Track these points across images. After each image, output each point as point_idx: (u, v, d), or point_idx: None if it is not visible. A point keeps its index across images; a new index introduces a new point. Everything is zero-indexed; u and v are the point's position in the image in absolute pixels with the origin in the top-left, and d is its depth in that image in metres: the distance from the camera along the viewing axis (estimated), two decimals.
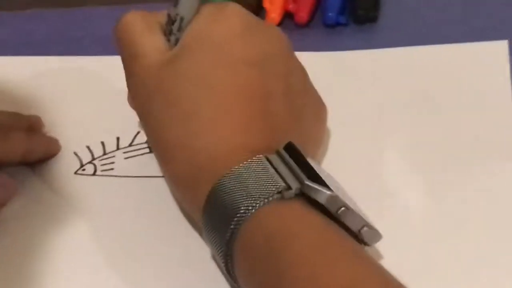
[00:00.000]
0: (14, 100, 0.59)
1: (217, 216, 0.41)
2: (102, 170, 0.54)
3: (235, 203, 0.40)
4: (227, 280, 0.45)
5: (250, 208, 0.39)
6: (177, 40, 0.47)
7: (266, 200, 0.39)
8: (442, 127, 0.54)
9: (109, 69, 0.61)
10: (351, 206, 0.40)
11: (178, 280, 0.46)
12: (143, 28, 0.48)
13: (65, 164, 0.55)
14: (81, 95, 0.60)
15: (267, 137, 0.43)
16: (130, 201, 0.52)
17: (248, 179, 0.40)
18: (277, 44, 0.47)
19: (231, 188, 0.40)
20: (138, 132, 0.56)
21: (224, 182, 0.41)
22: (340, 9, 0.65)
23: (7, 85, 0.61)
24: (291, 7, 0.65)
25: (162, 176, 0.53)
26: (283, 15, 0.65)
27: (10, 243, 0.50)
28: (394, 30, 0.64)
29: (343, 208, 0.39)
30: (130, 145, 0.56)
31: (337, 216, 0.39)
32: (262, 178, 0.40)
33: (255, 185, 0.40)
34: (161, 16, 0.49)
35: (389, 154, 0.53)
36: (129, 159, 0.55)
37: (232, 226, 0.40)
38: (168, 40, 0.48)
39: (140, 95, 0.47)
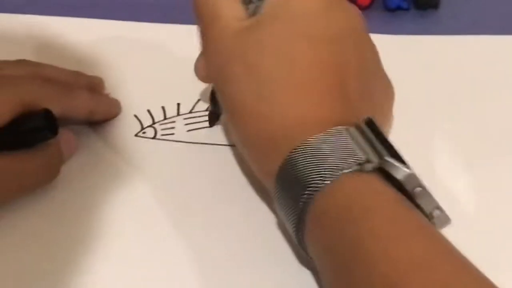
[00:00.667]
0: (78, 60, 0.59)
1: (291, 184, 0.41)
2: (163, 135, 0.54)
3: (311, 172, 0.40)
4: (293, 248, 0.45)
5: (326, 177, 0.39)
6: (255, 9, 0.47)
7: (344, 171, 0.40)
8: (497, 118, 0.54)
9: (173, 37, 0.62)
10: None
11: (239, 245, 0.47)
12: None
13: (125, 126, 0.55)
14: (143, 60, 0.60)
15: (344, 111, 0.44)
16: (189, 166, 0.52)
17: (326, 149, 0.41)
18: (355, 23, 0.47)
19: (308, 157, 0.41)
20: (199, 100, 0.57)
21: (301, 151, 0.41)
22: None
23: (72, 45, 0.61)
24: None
25: (223, 144, 0.53)
26: None
27: (69, 199, 0.51)
28: (455, 18, 0.64)
29: (419, 188, 0.39)
30: (190, 112, 0.56)
31: (412, 195, 0.39)
32: (341, 149, 0.40)
33: (334, 156, 0.40)
34: None
35: (440, 143, 0.53)
36: (189, 125, 0.55)
37: (306, 195, 0.40)
38: (247, 9, 0.48)
39: (217, 60, 0.47)
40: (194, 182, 0.51)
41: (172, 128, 0.55)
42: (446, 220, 0.40)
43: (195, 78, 0.56)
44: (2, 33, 0.63)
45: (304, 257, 0.44)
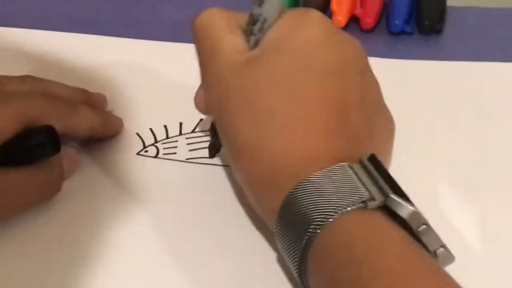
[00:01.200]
0: (81, 77, 0.59)
1: (294, 221, 0.41)
2: (165, 154, 0.54)
3: (314, 209, 0.40)
4: (293, 282, 0.45)
5: (330, 215, 0.39)
6: (257, 41, 0.47)
7: (348, 209, 0.39)
8: (501, 145, 0.54)
9: (177, 56, 0.62)
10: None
11: (239, 269, 0.47)
12: (223, 25, 0.48)
13: (128, 144, 0.55)
14: (146, 79, 0.60)
15: (347, 146, 0.43)
16: (191, 185, 0.52)
17: (329, 186, 0.40)
18: (356, 56, 0.47)
19: (311, 194, 0.40)
20: (201, 120, 0.57)
21: (304, 188, 0.41)
22: (406, 18, 0.65)
23: (75, 62, 0.61)
24: (358, 11, 0.66)
25: (225, 165, 0.53)
26: (349, 19, 0.66)
27: (69, 216, 0.51)
28: (458, 43, 0.64)
29: (424, 226, 0.39)
30: (193, 131, 0.56)
31: (417, 233, 0.39)
32: (345, 187, 0.40)
33: (337, 193, 0.40)
34: (240, 17, 0.49)
35: (442, 175, 0.52)
36: (191, 145, 0.55)
37: (309, 233, 0.39)
38: (248, 41, 0.47)
39: (216, 94, 0.47)
40: (196, 201, 0.51)
41: (174, 147, 0.55)
42: (450, 258, 0.40)
43: None
44: (5, 48, 0.63)
45: None
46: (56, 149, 0.48)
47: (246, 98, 0.45)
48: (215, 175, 0.53)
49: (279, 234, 0.42)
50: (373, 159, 0.41)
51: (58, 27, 0.65)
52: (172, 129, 0.56)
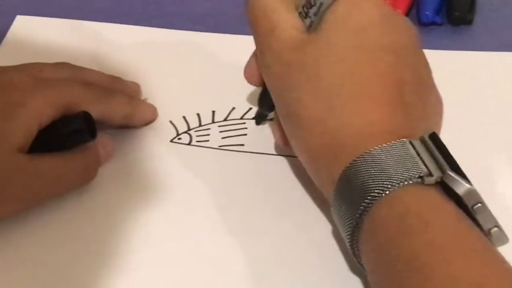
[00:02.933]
0: (116, 66, 0.60)
1: (351, 192, 0.42)
2: (198, 141, 0.55)
3: (372, 181, 0.40)
4: (346, 256, 0.46)
5: (387, 187, 0.40)
6: (311, 24, 0.48)
7: (405, 183, 0.40)
8: None
9: (210, 45, 0.63)
10: None
11: (273, 253, 0.48)
12: (278, 4, 0.49)
13: (161, 132, 0.56)
14: (179, 68, 0.61)
15: (406, 123, 0.44)
16: (224, 172, 0.53)
17: (389, 160, 0.41)
18: (411, 36, 0.48)
19: (370, 166, 0.41)
20: (233, 108, 0.57)
21: (364, 160, 0.42)
22: (436, 9, 0.65)
23: (111, 51, 0.62)
24: (388, 2, 0.66)
25: (257, 152, 0.54)
26: None
27: (104, 202, 0.51)
28: (488, 34, 0.64)
29: (479, 204, 0.40)
30: (225, 119, 0.57)
31: (471, 211, 0.40)
32: (404, 161, 0.41)
33: (396, 167, 0.40)
34: None
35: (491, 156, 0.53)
36: (224, 132, 0.56)
37: (365, 203, 0.40)
38: (302, 22, 0.48)
39: (278, 69, 0.47)
40: (228, 188, 0.52)
41: (207, 135, 0.55)
42: (504, 239, 0.40)
43: (231, 87, 0.57)
44: (44, 37, 0.64)
45: (357, 267, 0.44)
46: (93, 135, 0.49)
47: (310, 74, 0.46)
48: (248, 162, 0.54)
49: (335, 205, 0.43)
50: (433, 137, 0.42)
51: (90, 17, 0.66)
52: (205, 117, 0.57)
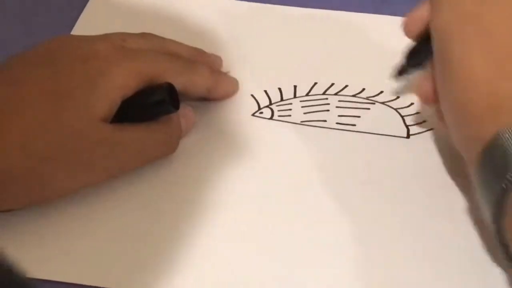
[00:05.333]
0: (198, 38, 0.59)
1: (501, 159, 0.40)
2: (280, 116, 0.55)
3: None
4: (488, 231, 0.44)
5: None
6: None
7: None
8: None
9: (290, 19, 0.62)
10: None
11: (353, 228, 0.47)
12: None
13: (243, 106, 0.55)
14: (261, 42, 0.60)
15: None
16: (306, 147, 0.52)
17: None
18: None
19: None
20: (315, 83, 0.56)
21: None
22: None
23: (194, 23, 0.61)
24: None
25: (338, 129, 0.53)
26: None
27: (185, 173, 0.51)
28: None
29: None
30: (307, 94, 0.56)
31: None
32: None
33: None
34: None
35: None
36: (306, 108, 0.55)
37: None
38: None
39: (452, 16, 0.46)
40: (310, 163, 0.51)
41: (289, 109, 0.55)
42: None
43: (312, 62, 0.57)
44: (127, 7, 0.64)
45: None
46: (176, 106, 0.49)
47: (482, 26, 0.44)
48: (330, 138, 0.53)
49: (479, 172, 0.42)
50: None
51: None
52: (287, 91, 0.56)
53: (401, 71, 0.53)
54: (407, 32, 0.50)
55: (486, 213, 0.42)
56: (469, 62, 0.44)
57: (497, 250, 0.42)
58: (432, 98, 0.48)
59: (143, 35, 0.54)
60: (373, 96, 0.55)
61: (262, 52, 0.59)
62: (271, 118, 0.54)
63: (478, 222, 0.46)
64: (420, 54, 0.50)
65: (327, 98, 0.55)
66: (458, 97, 0.45)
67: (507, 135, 0.40)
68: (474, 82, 0.44)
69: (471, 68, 0.44)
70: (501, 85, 0.43)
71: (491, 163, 0.41)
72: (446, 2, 0.46)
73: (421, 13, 0.49)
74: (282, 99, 0.56)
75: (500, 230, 0.41)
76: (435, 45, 0.47)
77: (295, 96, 0.56)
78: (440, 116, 0.48)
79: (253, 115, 0.55)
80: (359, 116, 0.54)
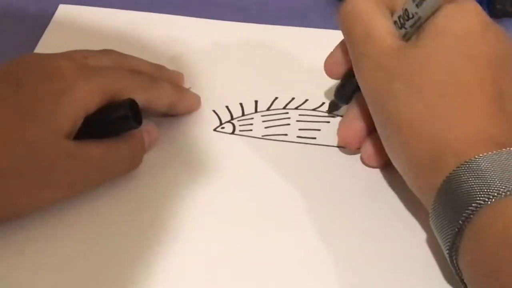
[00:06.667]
0: (159, 55, 0.60)
1: (453, 200, 0.41)
2: (241, 130, 0.55)
3: (477, 189, 0.40)
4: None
5: (494, 196, 0.40)
6: (405, 34, 0.48)
7: (510, 192, 0.40)
8: None
9: (252, 36, 0.63)
10: None
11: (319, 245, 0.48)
12: (373, 9, 0.49)
13: (205, 121, 0.56)
14: (222, 58, 0.61)
15: (508, 133, 0.44)
16: (267, 162, 0.53)
17: (496, 168, 0.41)
18: (508, 46, 0.47)
19: (475, 174, 0.41)
20: (276, 98, 0.57)
21: (468, 168, 0.41)
22: (478, 2, 0.65)
23: (154, 40, 0.62)
24: None
25: (300, 142, 0.54)
26: None
27: (148, 189, 0.52)
28: None
29: None
30: (268, 109, 0.57)
31: None
32: (510, 171, 0.40)
33: (502, 176, 0.40)
34: (388, 1, 0.50)
35: None
36: (267, 122, 0.56)
37: (469, 211, 0.40)
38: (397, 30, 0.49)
39: (376, 75, 0.47)
40: (272, 177, 0.52)
41: (251, 124, 0.56)
42: None
43: (272, 77, 0.58)
44: (86, 26, 0.64)
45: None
46: (138, 121, 0.50)
47: (411, 81, 0.46)
48: (291, 152, 0.54)
49: (435, 211, 0.43)
50: None
51: (132, 7, 0.66)
52: (248, 107, 0.57)
53: (333, 108, 0.55)
54: (329, 72, 0.53)
55: (444, 248, 0.43)
56: (403, 112, 0.45)
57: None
58: (354, 143, 0.51)
59: (105, 52, 0.54)
60: None
61: (223, 68, 0.60)
62: (232, 132, 0.55)
63: None
64: (347, 90, 0.52)
65: (287, 113, 0.56)
66: (398, 149, 0.47)
67: (452, 181, 0.42)
68: (411, 130, 0.45)
69: (407, 117, 0.45)
70: (435, 131, 0.44)
71: (445, 207, 0.42)
72: (366, 61, 0.48)
73: (337, 58, 0.51)
74: (243, 114, 0.56)
75: (456, 271, 0.42)
76: (367, 98, 0.49)
77: (256, 111, 0.57)
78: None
79: (215, 130, 0.55)
80: (319, 130, 0.55)
